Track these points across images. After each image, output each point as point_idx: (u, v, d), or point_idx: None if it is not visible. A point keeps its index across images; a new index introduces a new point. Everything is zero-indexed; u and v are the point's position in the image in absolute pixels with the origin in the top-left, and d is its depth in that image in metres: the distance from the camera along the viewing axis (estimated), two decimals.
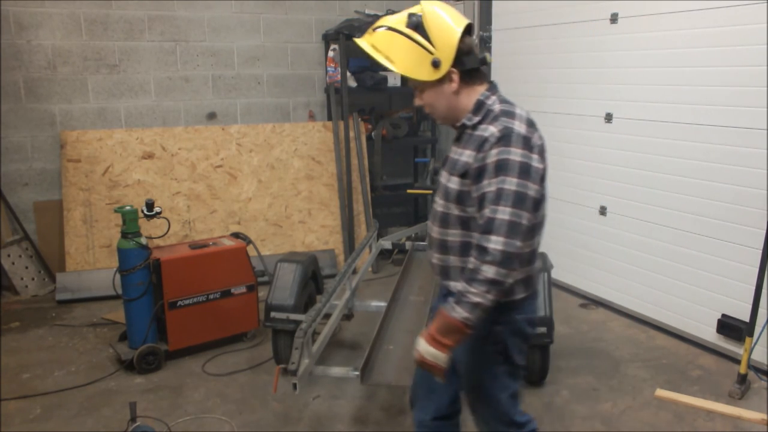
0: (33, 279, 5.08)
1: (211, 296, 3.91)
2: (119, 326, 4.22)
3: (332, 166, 5.67)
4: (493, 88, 1.99)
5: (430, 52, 1.88)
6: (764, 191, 3.47)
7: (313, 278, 3.92)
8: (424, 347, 1.85)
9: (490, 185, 1.80)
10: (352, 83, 5.65)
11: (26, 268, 5.07)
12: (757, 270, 3.33)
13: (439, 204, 2.02)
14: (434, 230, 2.05)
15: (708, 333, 3.86)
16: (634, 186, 4.26)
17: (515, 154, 1.81)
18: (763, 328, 3.34)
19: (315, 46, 6.01)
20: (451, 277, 2.03)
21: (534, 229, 1.94)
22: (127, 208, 3.71)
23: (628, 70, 4.21)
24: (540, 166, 1.88)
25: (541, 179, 1.90)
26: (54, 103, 5.19)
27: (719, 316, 3.76)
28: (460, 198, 1.93)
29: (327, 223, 5.63)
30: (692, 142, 3.84)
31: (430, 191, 5.40)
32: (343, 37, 5.49)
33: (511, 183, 1.78)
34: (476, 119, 1.93)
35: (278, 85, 5.93)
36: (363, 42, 1.96)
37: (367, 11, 6.03)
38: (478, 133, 1.90)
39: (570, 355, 3.85)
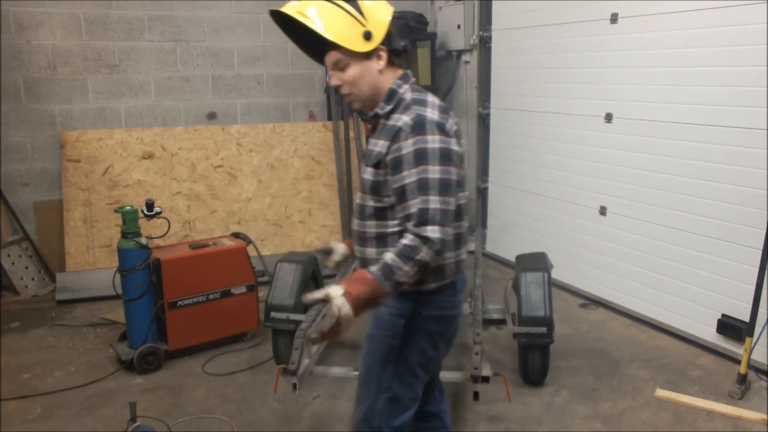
0: (33, 279, 5.08)
1: (211, 296, 3.91)
2: (119, 326, 4.22)
3: (332, 166, 5.67)
4: (405, 77, 1.96)
5: (362, 24, 1.85)
6: (764, 191, 3.47)
7: (313, 278, 3.92)
8: (348, 309, 1.70)
9: (410, 176, 1.78)
10: None
11: (26, 268, 5.07)
12: (757, 270, 3.33)
13: (358, 196, 2.02)
14: (354, 222, 2.04)
15: (708, 333, 3.85)
16: (634, 186, 4.26)
17: (432, 141, 1.79)
18: (763, 328, 3.33)
19: None
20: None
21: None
22: (127, 208, 3.70)
23: (628, 70, 4.21)
24: (458, 149, 1.88)
25: (461, 162, 1.92)
26: (54, 103, 5.19)
27: (719, 316, 3.76)
28: (375, 188, 1.91)
29: (327, 223, 5.63)
30: (692, 142, 3.84)
31: None
32: None
33: (434, 171, 1.77)
34: (388, 108, 1.91)
35: (278, 85, 5.93)
36: (287, 9, 1.85)
37: None
38: (390, 122, 1.88)
39: (570, 355, 3.85)
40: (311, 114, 6.10)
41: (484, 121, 5.71)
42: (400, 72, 1.96)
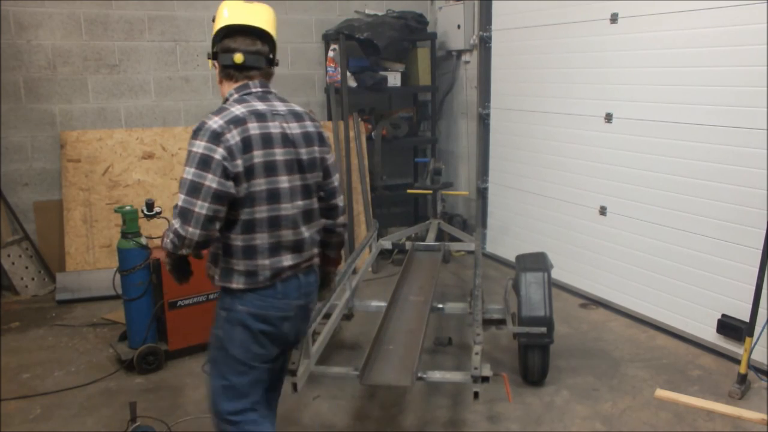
0: (33, 279, 5.08)
1: (211, 296, 3.90)
2: (119, 326, 4.22)
3: None
4: (240, 88, 2.13)
5: (213, 44, 2.19)
6: (764, 191, 3.47)
7: None
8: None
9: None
10: (352, 83, 5.65)
11: (26, 268, 5.07)
12: (757, 270, 3.33)
13: None
14: None
15: (708, 333, 3.85)
16: (634, 186, 4.26)
17: (197, 146, 1.94)
18: (763, 328, 3.34)
19: (315, 46, 6.01)
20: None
21: (236, 223, 2.02)
22: (127, 208, 3.71)
23: (628, 70, 4.21)
24: (217, 157, 1.93)
25: (247, 173, 1.98)
26: (54, 103, 5.19)
27: (719, 316, 3.76)
28: None
29: None
30: (692, 142, 3.84)
31: (430, 191, 5.40)
32: (343, 37, 5.49)
33: (188, 173, 1.93)
34: None
35: (278, 85, 5.86)
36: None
37: (367, 11, 6.04)
38: None
39: (570, 355, 3.85)
40: (311, 113, 6.09)
41: (484, 121, 5.71)
42: (237, 83, 2.13)
